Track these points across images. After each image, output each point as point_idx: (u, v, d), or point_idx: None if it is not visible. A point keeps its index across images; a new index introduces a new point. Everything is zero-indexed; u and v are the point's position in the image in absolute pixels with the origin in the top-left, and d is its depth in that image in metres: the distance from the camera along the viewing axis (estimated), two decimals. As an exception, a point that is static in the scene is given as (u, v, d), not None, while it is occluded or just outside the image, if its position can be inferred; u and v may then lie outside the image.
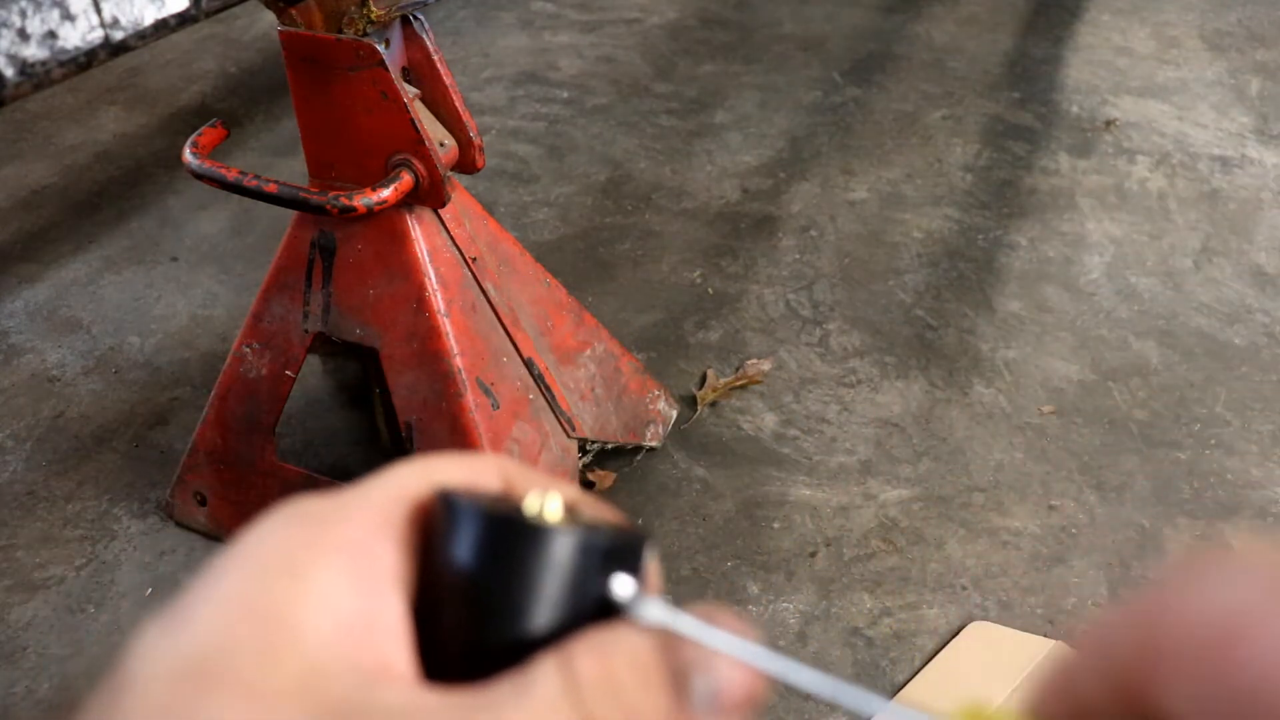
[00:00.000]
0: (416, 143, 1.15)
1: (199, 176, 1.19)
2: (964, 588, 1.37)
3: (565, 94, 2.54)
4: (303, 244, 1.25)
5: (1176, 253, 1.99)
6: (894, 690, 1.25)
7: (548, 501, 0.27)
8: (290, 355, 1.31)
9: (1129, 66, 2.64)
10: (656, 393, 1.57)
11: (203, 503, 1.44)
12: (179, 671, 0.24)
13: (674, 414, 1.60)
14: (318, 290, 1.27)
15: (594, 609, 0.26)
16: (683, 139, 2.36)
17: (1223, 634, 0.20)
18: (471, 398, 1.24)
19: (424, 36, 1.17)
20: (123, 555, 1.44)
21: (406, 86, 1.15)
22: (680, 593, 1.38)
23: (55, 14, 0.74)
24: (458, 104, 1.20)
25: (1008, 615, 1.34)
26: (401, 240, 1.21)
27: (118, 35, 0.78)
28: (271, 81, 2.61)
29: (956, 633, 1.31)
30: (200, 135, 1.22)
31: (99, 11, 0.76)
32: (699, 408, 1.64)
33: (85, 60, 0.77)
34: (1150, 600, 0.22)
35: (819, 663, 1.29)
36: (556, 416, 1.36)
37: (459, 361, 1.23)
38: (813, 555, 1.42)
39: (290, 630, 0.24)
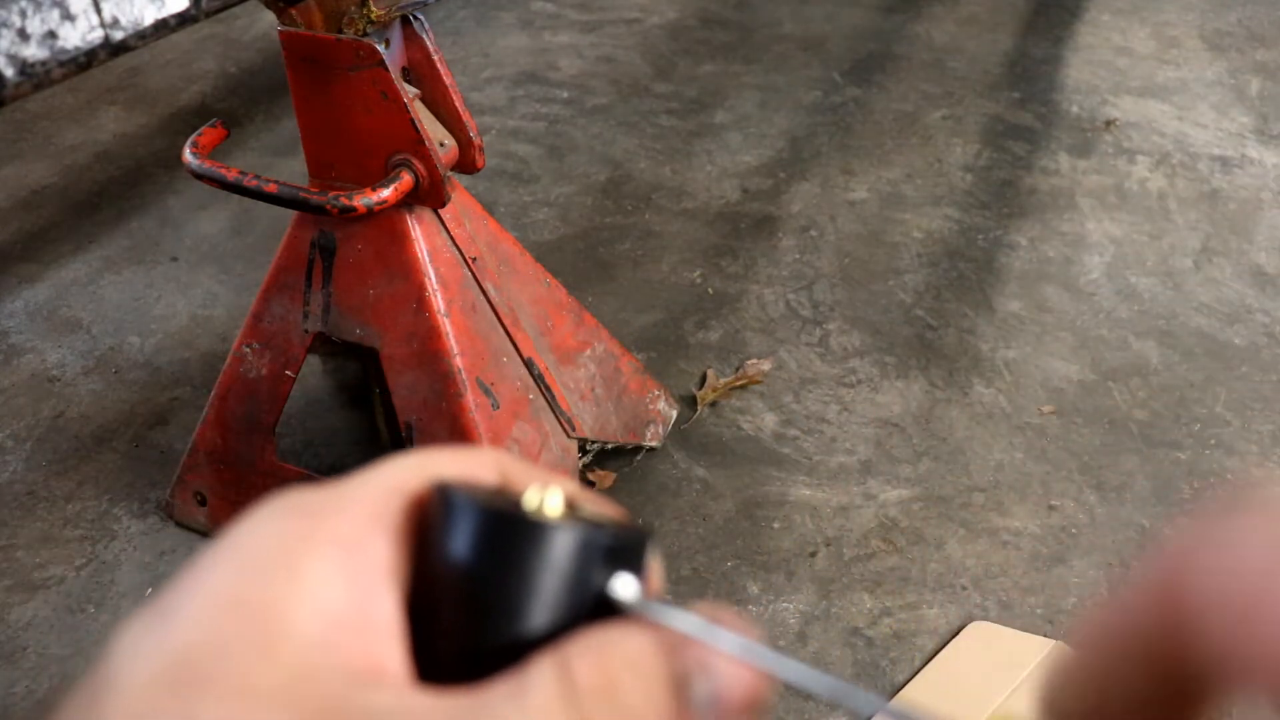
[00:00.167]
0: (416, 143, 1.15)
1: (199, 176, 1.19)
2: (964, 588, 1.37)
3: (565, 94, 2.54)
4: (303, 244, 1.25)
5: (1176, 253, 1.99)
6: (894, 690, 1.25)
7: (548, 496, 0.26)
8: (290, 355, 1.31)
9: (1129, 66, 2.64)
10: (656, 393, 1.57)
11: (203, 503, 1.44)
12: (163, 670, 0.23)
13: (674, 414, 1.60)
14: (318, 290, 1.27)
15: (593, 608, 0.26)
16: (683, 139, 2.36)
17: (1258, 594, 0.19)
18: (471, 398, 1.24)
19: (424, 36, 1.17)
20: (123, 555, 1.44)
21: (406, 86, 1.15)
22: (680, 593, 1.38)
23: (55, 14, 0.74)
24: (458, 104, 1.20)
25: (1008, 615, 1.34)
26: (401, 240, 1.21)
27: (118, 35, 0.78)
28: (271, 81, 2.61)
29: (956, 633, 1.31)
30: (200, 135, 1.22)
31: (99, 11, 0.76)
32: (699, 408, 1.64)
33: (85, 60, 0.77)
34: (1177, 557, 0.21)
35: (819, 663, 1.29)
36: (556, 416, 1.36)
37: (459, 361, 1.23)
38: (813, 555, 1.42)
39: (280, 628, 0.23)
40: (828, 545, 1.43)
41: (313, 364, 1.63)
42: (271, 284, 1.29)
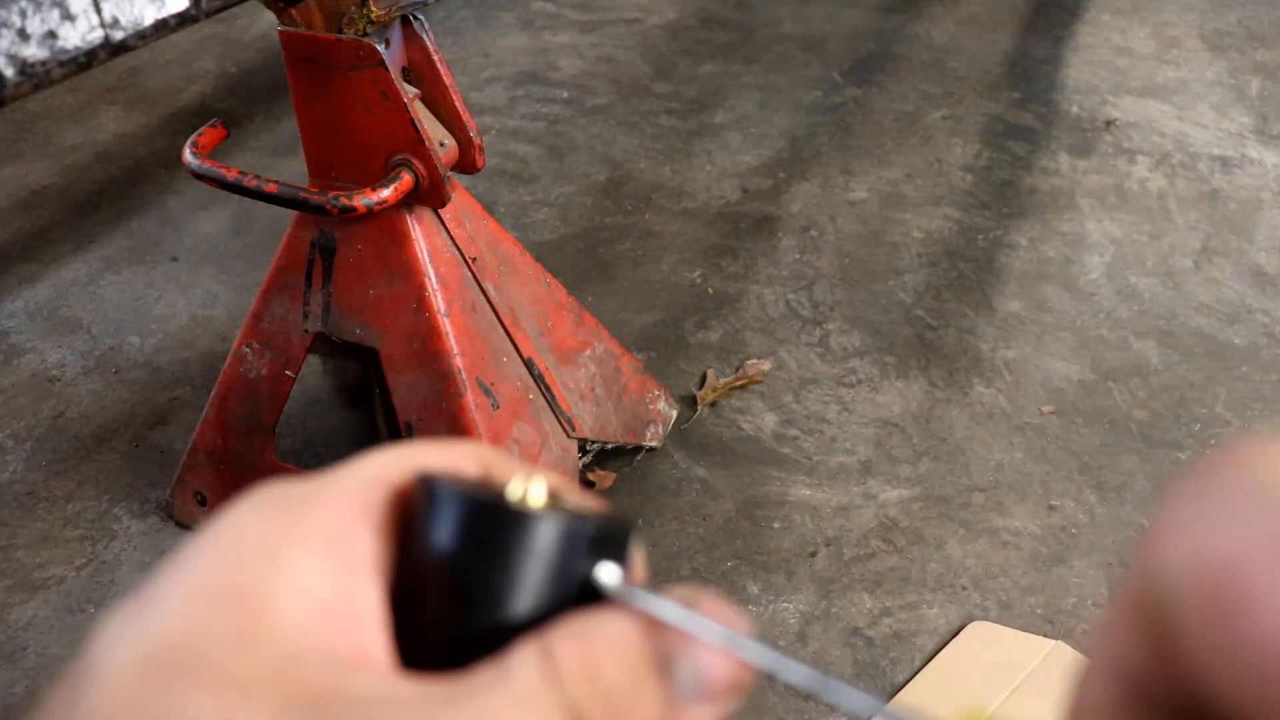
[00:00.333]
0: (416, 143, 1.15)
1: (199, 176, 1.19)
2: (964, 588, 1.37)
3: (565, 94, 2.54)
4: (303, 244, 1.25)
5: (1176, 253, 1.99)
6: (894, 690, 1.25)
7: (531, 487, 0.27)
8: (290, 355, 1.31)
9: (1129, 66, 2.64)
10: (656, 393, 1.56)
11: (203, 503, 1.44)
12: (146, 660, 0.23)
13: (674, 414, 1.60)
14: (318, 290, 1.27)
15: (577, 596, 0.26)
16: (683, 139, 2.36)
17: (1226, 592, 0.17)
18: (471, 398, 1.24)
19: (424, 36, 1.17)
20: (123, 555, 1.44)
21: (406, 86, 1.15)
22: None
23: (55, 14, 0.74)
24: (458, 104, 1.20)
25: (1008, 615, 1.34)
26: (401, 240, 1.21)
27: (118, 35, 0.78)
28: (271, 81, 2.61)
29: (956, 633, 1.31)
30: (200, 135, 1.22)
31: (99, 11, 0.76)
32: (699, 408, 1.64)
33: (85, 60, 0.77)
34: (1151, 543, 0.19)
35: (819, 663, 1.29)
36: (556, 416, 1.36)
37: (459, 361, 1.23)
38: (813, 555, 1.42)
39: (263, 617, 0.23)
40: (828, 545, 1.43)
41: (313, 364, 1.63)
42: (271, 284, 1.29)
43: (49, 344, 1.81)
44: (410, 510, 0.27)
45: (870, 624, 1.33)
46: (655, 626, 0.25)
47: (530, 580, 0.25)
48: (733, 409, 1.64)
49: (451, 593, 0.26)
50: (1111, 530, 1.45)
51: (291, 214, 1.26)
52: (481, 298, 1.28)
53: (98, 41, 0.77)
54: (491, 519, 0.25)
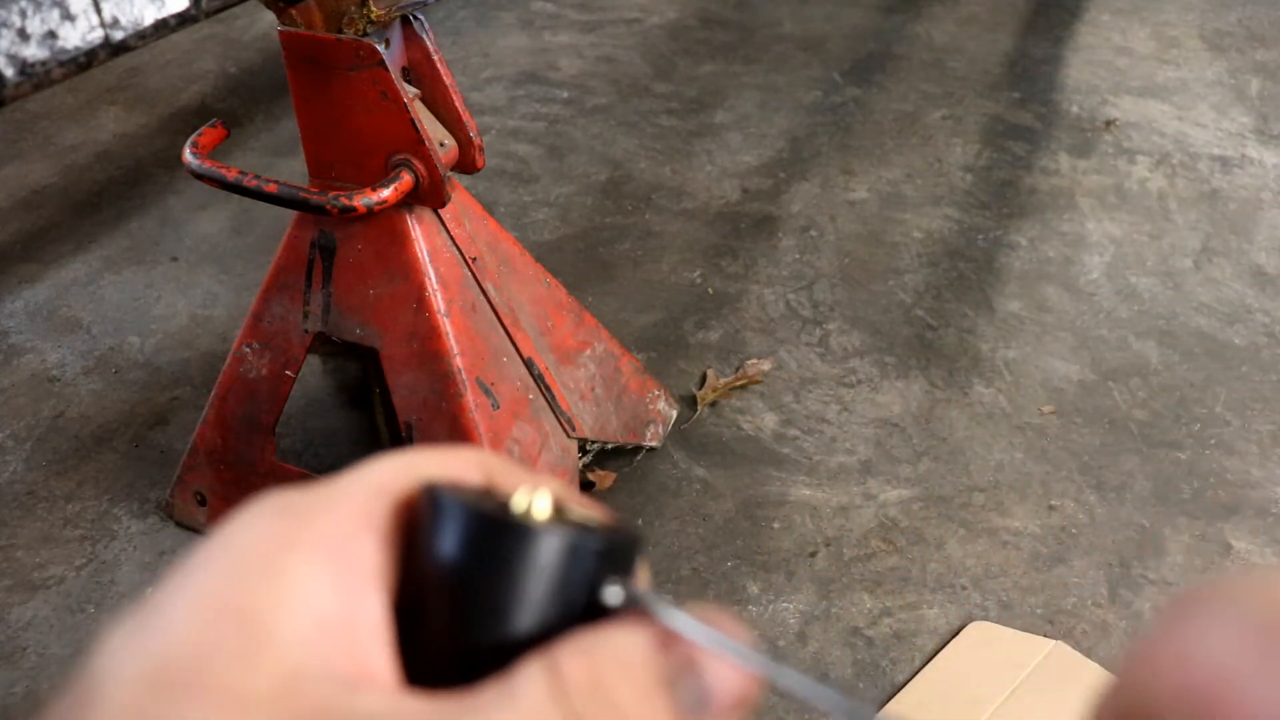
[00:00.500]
0: (416, 143, 1.15)
1: (199, 176, 1.19)
2: (964, 588, 1.37)
3: (565, 94, 2.54)
4: (303, 244, 1.25)
5: (1176, 253, 1.99)
6: (894, 690, 1.25)
7: (536, 499, 0.26)
8: (290, 355, 1.31)
9: (1129, 66, 2.64)
10: (656, 393, 1.57)
11: (203, 503, 1.44)
12: (148, 676, 0.23)
13: (674, 414, 1.60)
14: (318, 290, 1.27)
15: (582, 611, 0.26)
16: (683, 139, 2.36)
17: (1204, 701, 0.19)
18: (471, 398, 1.24)
19: (424, 36, 1.17)
20: (123, 555, 1.44)
21: (406, 86, 1.15)
22: (680, 593, 1.38)
23: (55, 14, 0.74)
24: (458, 104, 1.20)
25: (1008, 615, 1.34)
26: (401, 240, 1.21)
27: (118, 35, 0.78)
28: (271, 81, 2.61)
29: (956, 633, 1.31)
30: (200, 135, 1.22)
31: (99, 11, 0.76)
32: (699, 408, 1.64)
33: (85, 60, 0.77)
34: (1139, 655, 0.21)
35: (819, 662, 1.29)
36: (556, 416, 1.36)
37: (459, 361, 1.23)
38: (813, 555, 1.42)
39: (266, 632, 0.23)
40: (828, 545, 1.43)
41: (313, 364, 1.63)
42: (271, 284, 1.29)
43: (49, 344, 1.81)
44: (415, 521, 0.27)
45: (870, 624, 1.33)
46: (662, 642, 0.25)
47: (536, 595, 0.25)
48: (733, 409, 1.64)
49: (456, 607, 0.25)
50: (1111, 530, 1.45)
51: (291, 214, 1.26)
52: (481, 298, 1.28)
53: (98, 41, 0.77)
54: (497, 533, 0.25)
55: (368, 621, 0.25)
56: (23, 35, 0.72)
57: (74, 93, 2.57)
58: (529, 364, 1.33)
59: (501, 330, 1.30)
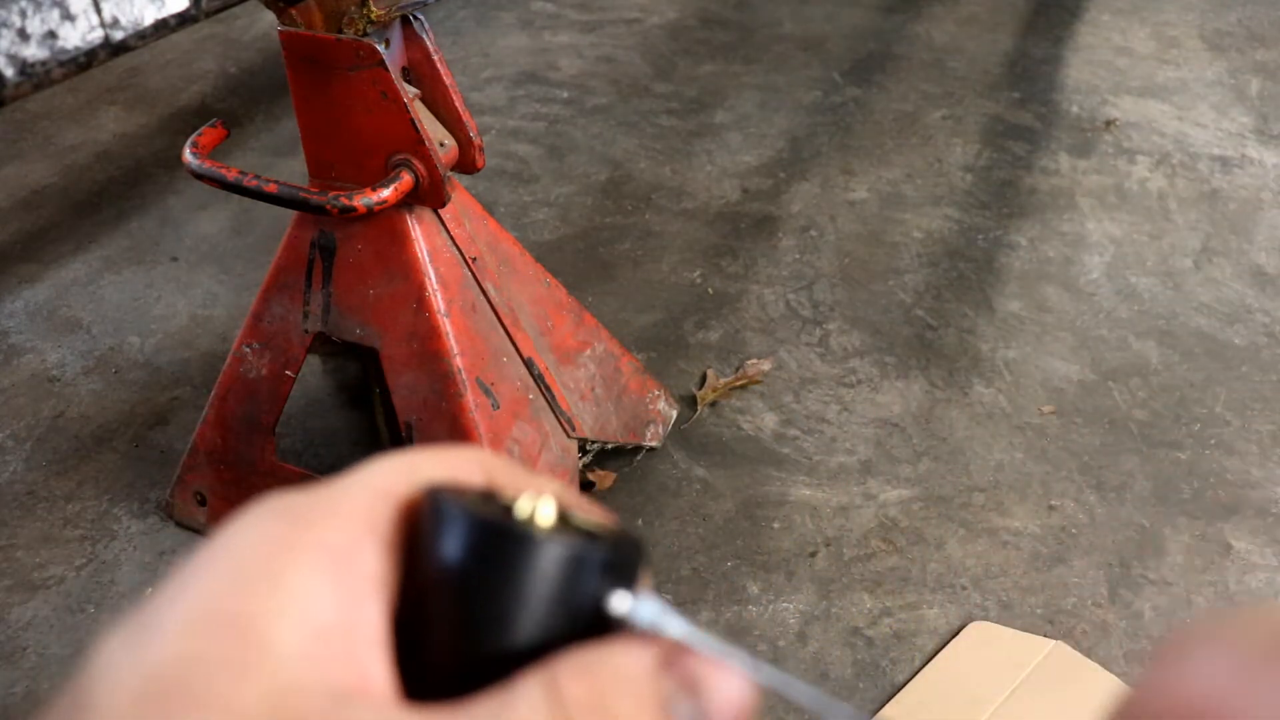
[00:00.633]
0: (416, 143, 1.15)
1: (199, 176, 1.19)
2: (964, 588, 1.37)
3: (565, 94, 2.54)
4: (303, 244, 1.25)
5: (1176, 253, 1.99)
6: (894, 690, 1.25)
7: (540, 505, 0.26)
8: (290, 355, 1.31)
9: (1129, 66, 2.64)
10: (656, 393, 1.57)
11: (203, 503, 1.44)
12: (143, 688, 0.22)
13: (674, 414, 1.60)
14: (318, 290, 1.27)
15: (585, 623, 0.25)
16: (683, 139, 2.36)
17: None
18: (471, 398, 1.24)
19: (424, 36, 1.17)
20: (123, 555, 1.44)
21: (406, 86, 1.15)
22: (680, 593, 1.38)
23: (55, 14, 0.74)
24: (458, 104, 1.20)
25: (1008, 615, 1.34)
26: (401, 240, 1.21)
27: (118, 35, 0.78)
28: (271, 81, 2.61)
29: (956, 633, 1.31)
30: (200, 135, 1.22)
31: (99, 11, 0.76)
32: (699, 408, 1.64)
33: (85, 60, 0.77)
34: (1141, 683, 0.22)
35: (819, 662, 1.29)
36: (556, 416, 1.36)
37: (459, 361, 1.23)
38: (813, 555, 1.42)
39: (262, 643, 0.23)
40: (828, 545, 1.43)
41: (313, 364, 1.63)
42: (271, 284, 1.29)
43: (49, 344, 1.81)
44: (416, 527, 0.26)
45: (870, 624, 1.33)
46: (663, 660, 0.25)
47: (538, 605, 0.25)
48: (733, 409, 1.64)
49: (456, 616, 0.25)
50: (1111, 530, 1.45)
51: (291, 214, 1.26)
52: (481, 298, 1.28)
53: (98, 41, 0.77)
54: (500, 542, 0.25)
55: (366, 630, 0.25)
56: (23, 35, 0.72)
57: (74, 93, 2.57)
58: (529, 364, 1.33)
59: (501, 330, 1.30)
